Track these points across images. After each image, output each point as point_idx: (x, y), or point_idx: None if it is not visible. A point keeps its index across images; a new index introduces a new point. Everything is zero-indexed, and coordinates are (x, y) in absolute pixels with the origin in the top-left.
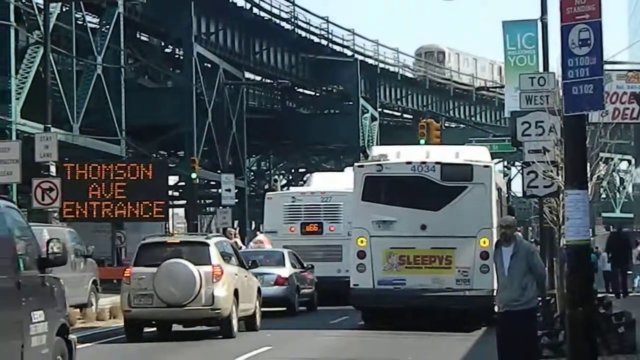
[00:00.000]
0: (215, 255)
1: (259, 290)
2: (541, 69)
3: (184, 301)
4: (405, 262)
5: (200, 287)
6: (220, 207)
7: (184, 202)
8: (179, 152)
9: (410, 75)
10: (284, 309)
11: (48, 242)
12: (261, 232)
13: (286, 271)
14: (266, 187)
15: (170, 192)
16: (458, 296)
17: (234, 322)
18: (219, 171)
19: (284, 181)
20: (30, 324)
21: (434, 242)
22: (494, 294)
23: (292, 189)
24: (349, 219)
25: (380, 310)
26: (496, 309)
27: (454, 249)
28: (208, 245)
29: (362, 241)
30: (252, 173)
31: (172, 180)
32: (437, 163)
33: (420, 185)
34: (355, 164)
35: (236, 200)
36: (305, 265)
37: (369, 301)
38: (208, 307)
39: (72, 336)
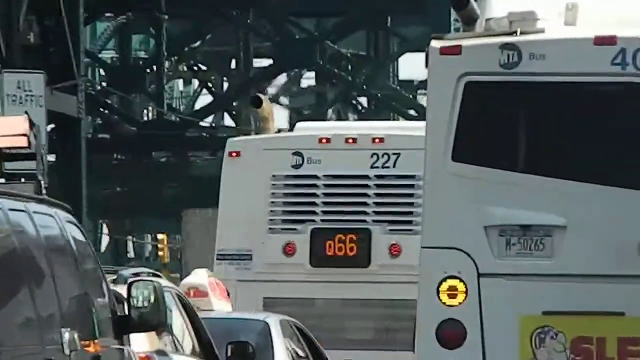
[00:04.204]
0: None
1: None
2: None
3: None
4: (593, 355)
5: None
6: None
7: None
8: None
9: None
10: None
11: (129, 285)
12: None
13: None
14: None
15: None
16: None
17: None
18: None
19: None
20: None
21: None
22: None
23: (299, 127)
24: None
25: None
26: None
27: None
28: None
29: (453, 289)
30: (102, 71)
31: None
32: None
33: None
34: (433, 43)
35: (52, 158)
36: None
37: None
38: None
39: None
